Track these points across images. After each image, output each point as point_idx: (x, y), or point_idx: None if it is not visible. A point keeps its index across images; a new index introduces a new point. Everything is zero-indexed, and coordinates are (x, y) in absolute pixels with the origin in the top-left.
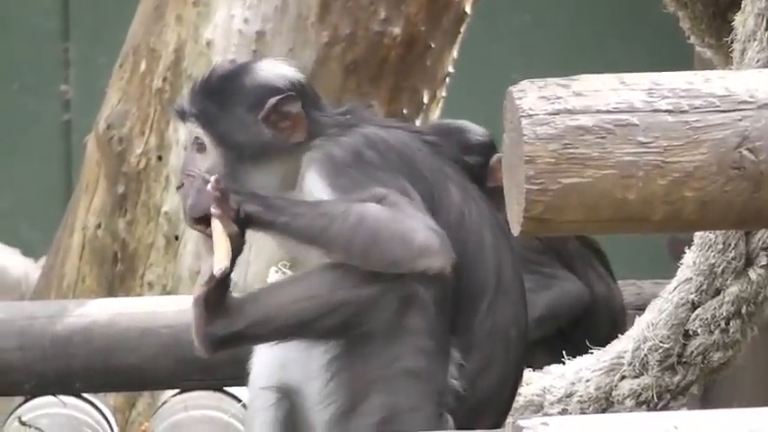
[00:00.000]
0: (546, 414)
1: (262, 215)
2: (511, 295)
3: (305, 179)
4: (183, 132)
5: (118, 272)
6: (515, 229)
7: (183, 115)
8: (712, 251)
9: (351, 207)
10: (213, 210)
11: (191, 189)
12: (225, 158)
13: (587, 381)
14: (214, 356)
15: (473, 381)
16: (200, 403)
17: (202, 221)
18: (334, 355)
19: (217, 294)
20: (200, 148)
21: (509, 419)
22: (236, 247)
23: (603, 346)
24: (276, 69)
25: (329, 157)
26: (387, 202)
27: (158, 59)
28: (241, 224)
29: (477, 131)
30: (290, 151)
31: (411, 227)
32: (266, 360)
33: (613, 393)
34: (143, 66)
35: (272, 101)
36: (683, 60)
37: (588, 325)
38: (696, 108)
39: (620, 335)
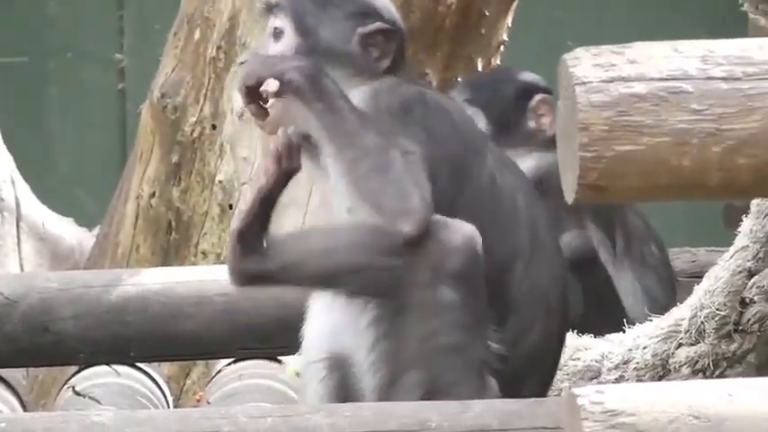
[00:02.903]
0: (603, 380)
1: (303, 88)
2: (547, 256)
3: None
4: (237, 101)
5: (172, 241)
6: (570, 197)
7: (271, 7)
8: None
9: (383, 140)
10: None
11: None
12: (297, 49)
13: (644, 348)
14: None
15: (514, 343)
16: (255, 372)
17: (254, 95)
18: (377, 327)
19: (253, 229)
20: (278, 35)
21: (565, 386)
22: (288, 169)
23: None
24: (388, 2)
25: (377, 96)
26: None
27: (213, 28)
28: (283, 91)
29: (524, 75)
30: (355, 72)
31: (410, 190)
32: (318, 328)
33: (670, 361)
34: (197, 34)
35: (381, 26)
36: (737, 28)
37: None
38: (750, 75)
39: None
